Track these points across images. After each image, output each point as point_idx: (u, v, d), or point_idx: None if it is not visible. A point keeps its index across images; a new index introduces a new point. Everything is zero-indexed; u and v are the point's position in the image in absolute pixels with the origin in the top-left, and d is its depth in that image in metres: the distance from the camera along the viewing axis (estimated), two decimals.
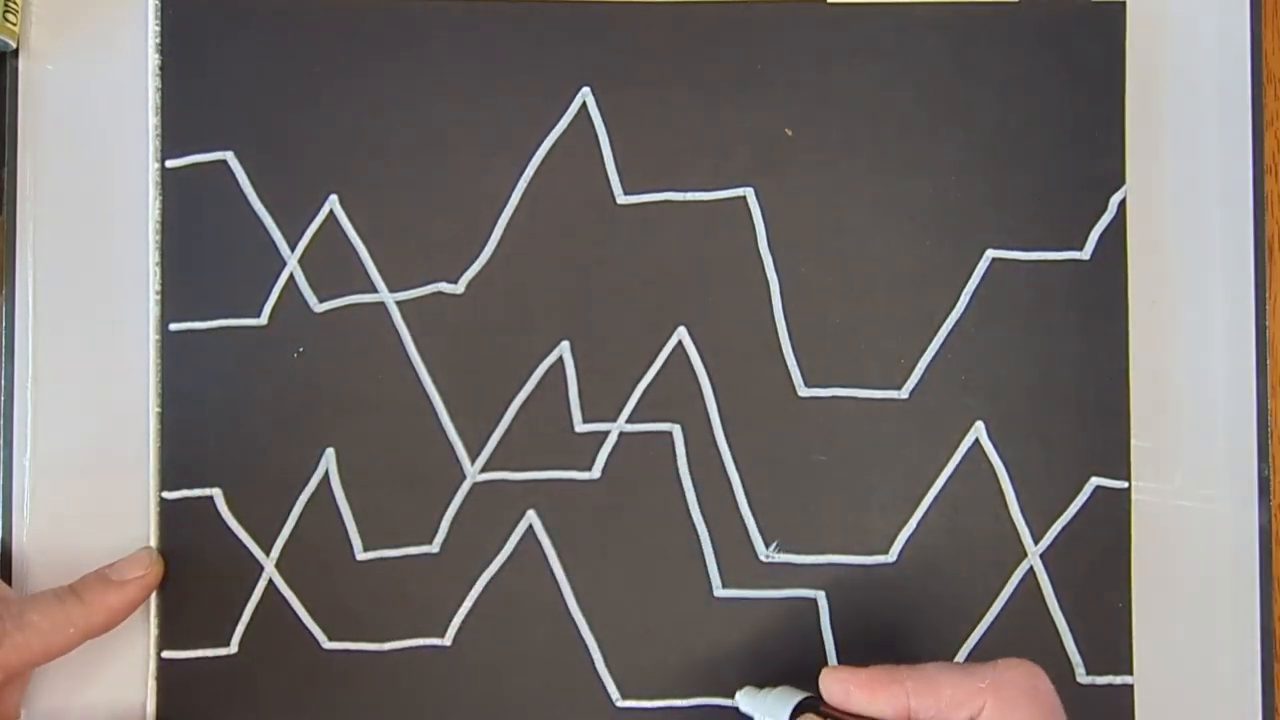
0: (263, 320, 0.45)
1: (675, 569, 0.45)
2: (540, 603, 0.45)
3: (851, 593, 0.45)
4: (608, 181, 0.46)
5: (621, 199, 0.46)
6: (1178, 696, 0.46)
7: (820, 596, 0.45)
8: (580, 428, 0.45)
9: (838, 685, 0.39)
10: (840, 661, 0.45)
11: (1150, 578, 0.46)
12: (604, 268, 0.45)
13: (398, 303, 0.45)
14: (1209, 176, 0.47)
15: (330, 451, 0.45)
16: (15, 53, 0.45)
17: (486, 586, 0.45)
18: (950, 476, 0.45)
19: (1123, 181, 0.46)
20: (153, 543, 0.45)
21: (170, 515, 0.45)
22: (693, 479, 0.45)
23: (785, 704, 0.41)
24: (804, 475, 0.45)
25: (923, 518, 0.45)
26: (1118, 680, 0.45)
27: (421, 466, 0.45)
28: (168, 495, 0.45)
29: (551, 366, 0.45)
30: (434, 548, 0.45)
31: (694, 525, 0.45)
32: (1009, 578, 0.45)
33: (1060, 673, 0.45)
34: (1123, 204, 0.46)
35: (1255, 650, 0.46)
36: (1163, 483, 0.46)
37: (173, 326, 0.45)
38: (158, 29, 0.45)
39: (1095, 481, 0.45)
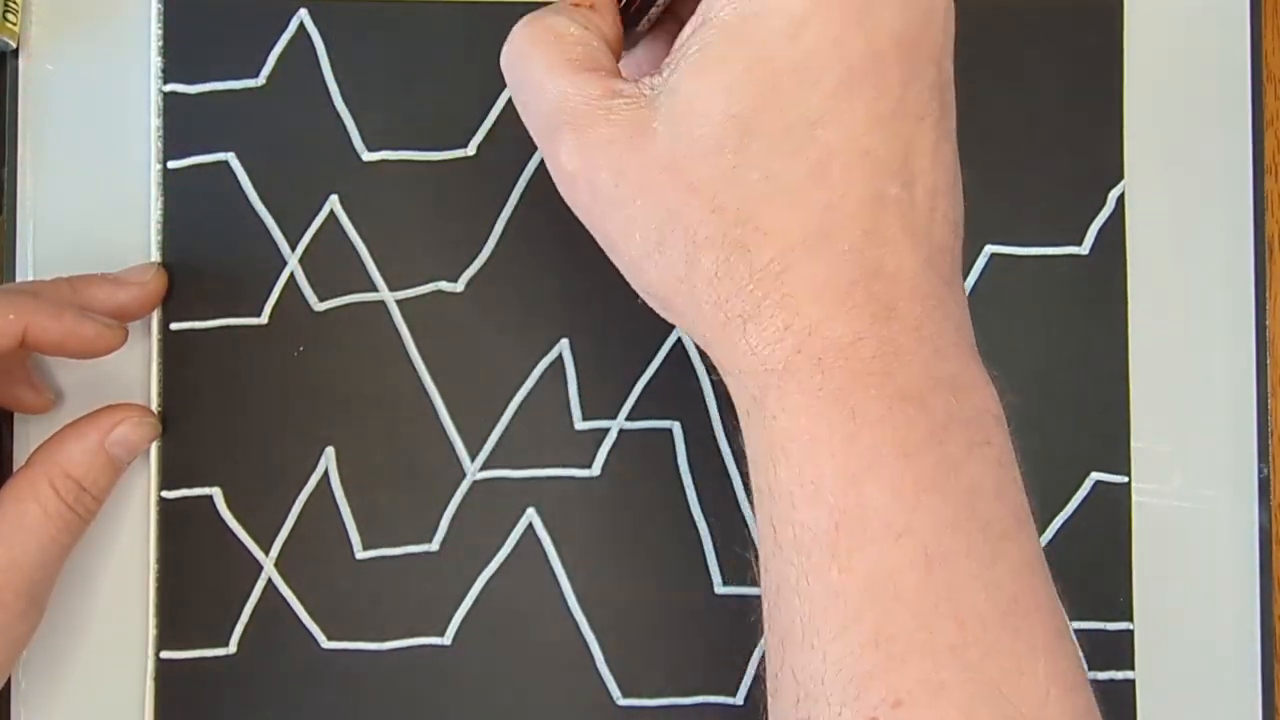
0: (263, 319, 0.45)
1: (676, 566, 0.45)
2: (540, 601, 0.45)
3: None
4: None
5: None
6: (1179, 693, 0.46)
7: None
8: (580, 425, 0.45)
9: None
10: None
11: (1150, 578, 0.46)
12: (603, 266, 0.45)
13: (398, 301, 0.45)
14: (1209, 176, 0.47)
15: (330, 450, 0.45)
16: (15, 53, 0.45)
17: (486, 585, 0.45)
18: None
19: (1121, 176, 0.46)
20: (152, 543, 0.45)
21: (169, 514, 0.45)
22: (693, 476, 0.45)
23: None
24: None
25: None
26: (1119, 676, 0.45)
27: (421, 464, 0.45)
28: (167, 494, 0.45)
29: (551, 364, 0.45)
30: (433, 546, 0.45)
31: (694, 522, 0.45)
32: None
33: None
34: (1121, 198, 0.46)
35: (1255, 650, 0.46)
36: (1162, 483, 0.46)
37: (173, 326, 0.45)
38: (159, 30, 0.45)
39: (1095, 476, 0.45)
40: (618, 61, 0.37)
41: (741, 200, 0.32)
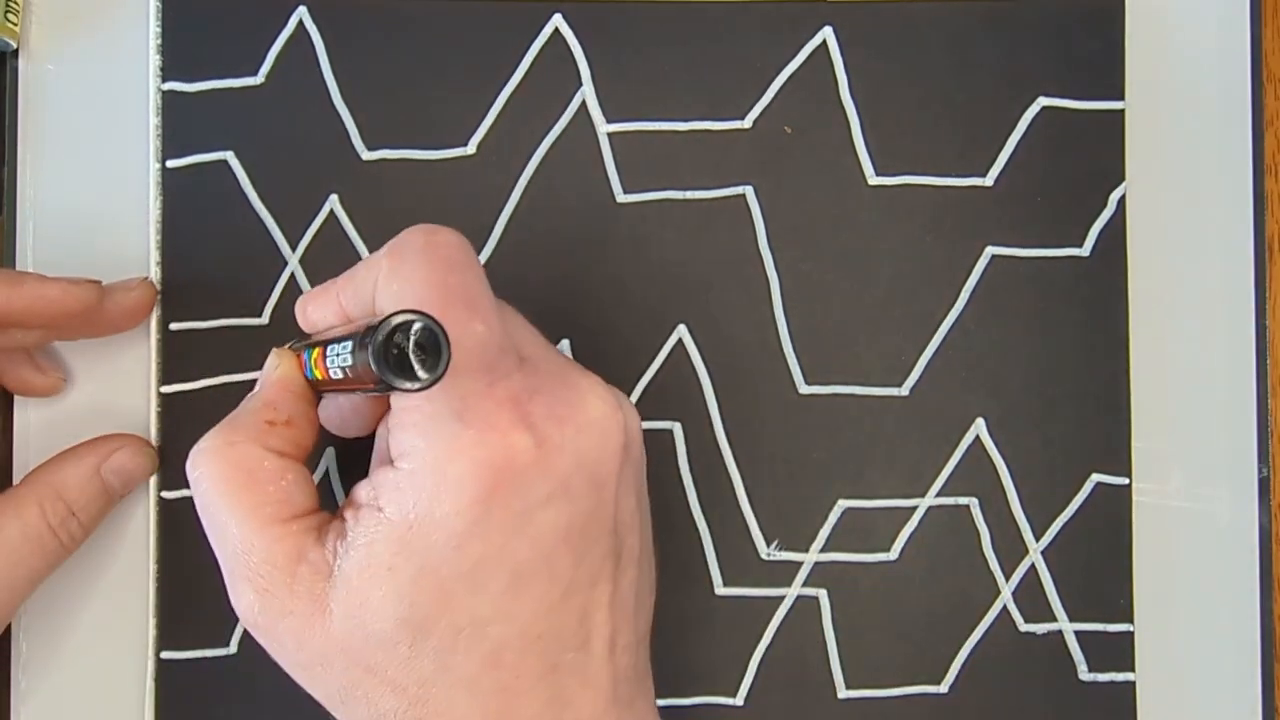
0: (264, 320, 0.45)
1: (676, 567, 0.45)
2: None
3: (853, 591, 0.45)
4: (607, 180, 0.46)
5: (621, 197, 0.46)
6: (1179, 695, 0.46)
7: (822, 595, 0.45)
8: None
9: (298, 308, 0.39)
10: (843, 662, 0.45)
11: (1150, 578, 0.46)
12: (603, 266, 0.46)
13: None
14: (1209, 176, 0.47)
15: (330, 450, 0.45)
16: (15, 53, 0.45)
17: None
18: (951, 473, 0.45)
19: (1122, 178, 0.46)
20: (152, 543, 0.45)
21: (170, 514, 0.45)
22: (693, 477, 0.45)
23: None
24: (805, 473, 0.45)
25: (924, 515, 0.45)
26: (1120, 678, 0.45)
27: None
28: (167, 495, 0.45)
29: None
30: None
31: (695, 523, 0.45)
32: (1011, 575, 0.45)
33: (1062, 670, 0.45)
34: (1122, 200, 0.46)
35: (1255, 650, 0.46)
36: (1162, 483, 0.46)
37: (173, 326, 0.45)
38: (158, 29, 0.45)
39: (1096, 478, 0.45)
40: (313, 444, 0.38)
41: (420, 684, 0.34)
